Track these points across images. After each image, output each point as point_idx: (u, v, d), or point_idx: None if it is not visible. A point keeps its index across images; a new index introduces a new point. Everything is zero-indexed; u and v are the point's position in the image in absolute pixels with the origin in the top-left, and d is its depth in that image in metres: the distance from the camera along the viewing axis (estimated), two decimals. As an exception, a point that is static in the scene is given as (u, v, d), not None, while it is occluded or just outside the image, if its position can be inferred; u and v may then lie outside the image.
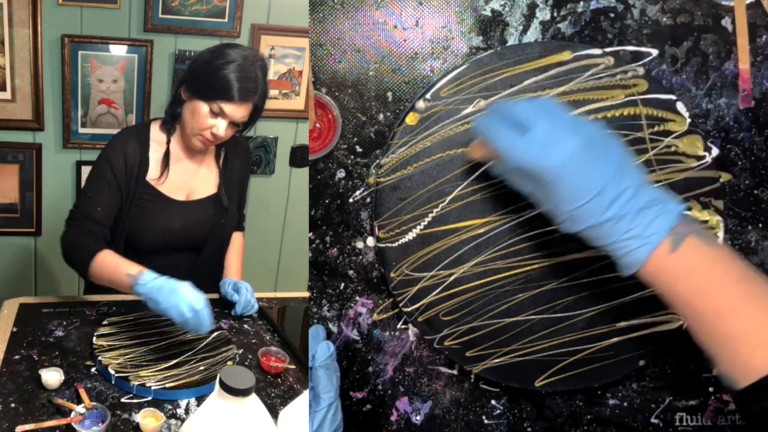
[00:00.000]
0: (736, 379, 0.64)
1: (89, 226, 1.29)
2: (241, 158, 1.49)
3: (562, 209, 0.68)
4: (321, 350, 0.85)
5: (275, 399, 1.11)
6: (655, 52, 0.87)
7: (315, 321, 0.94)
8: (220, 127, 1.28)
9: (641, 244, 0.66)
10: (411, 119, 0.88)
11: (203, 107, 1.27)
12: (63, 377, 1.03)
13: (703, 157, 0.86)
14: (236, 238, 1.57)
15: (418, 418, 0.96)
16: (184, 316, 1.07)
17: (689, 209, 0.68)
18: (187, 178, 1.40)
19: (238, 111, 1.27)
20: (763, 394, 0.62)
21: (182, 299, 1.07)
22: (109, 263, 1.22)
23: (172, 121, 1.36)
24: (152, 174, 1.36)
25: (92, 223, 1.29)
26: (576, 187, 0.66)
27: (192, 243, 1.43)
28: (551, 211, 0.71)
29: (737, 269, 0.66)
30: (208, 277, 1.49)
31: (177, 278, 1.44)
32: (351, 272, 0.94)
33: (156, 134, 1.38)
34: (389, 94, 0.90)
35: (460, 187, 0.87)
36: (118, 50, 1.99)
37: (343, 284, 0.94)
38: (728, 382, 0.66)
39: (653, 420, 0.94)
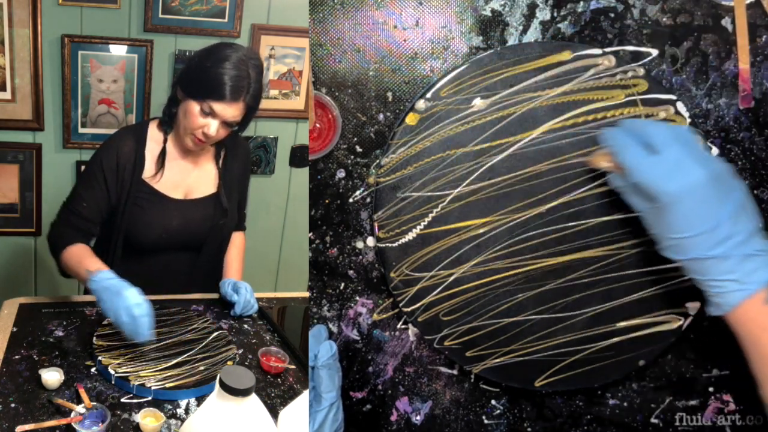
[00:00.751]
0: None
1: (73, 220, 1.33)
2: (241, 158, 1.49)
3: (670, 234, 0.70)
4: (323, 350, 0.85)
5: (275, 399, 1.11)
6: (655, 52, 0.87)
7: (315, 321, 0.94)
8: (212, 127, 1.28)
9: (738, 288, 0.67)
10: (411, 119, 0.88)
11: (195, 107, 1.27)
12: (63, 377, 1.03)
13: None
14: (237, 237, 1.57)
15: (418, 418, 0.96)
16: (121, 319, 1.08)
17: None
18: (184, 177, 1.40)
19: (228, 110, 1.27)
20: None
21: (123, 303, 1.07)
22: (76, 256, 1.27)
23: (168, 121, 1.37)
24: (148, 172, 1.36)
25: (76, 217, 1.33)
26: (691, 216, 0.68)
27: (191, 242, 1.43)
28: (659, 234, 0.72)
29: None
30: (208, 277, 1.49)
31: (178, 278, 1.44)
32: (351, 272, 0.94)
33: (153, 133, 1.39)
34: (389, 94, 0.90)
35: (460, 187, 0.87)
36: (118, 50, 1.99)
37: (343, 284, 0.94)
38: None
39: (653, 420, 0.94)
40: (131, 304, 1.07)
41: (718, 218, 0.67)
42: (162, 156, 1.37)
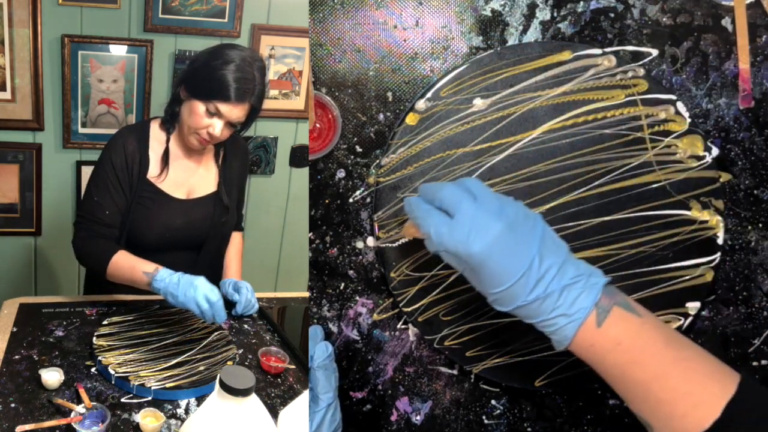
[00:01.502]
0: None
1: (99, 230, 1.32)
2: (240, 158, 1.50)
3: (489, 291, 0.70)
4: (319, 351, 0.85)
5: (275, 399, 1.11)
6: (655, 52, 0.87)
7: (315, 321, 0.94)
8: (216, 127, 1.29)
9: (568, 321, 0.67)
10: (411, 119, 0.88)
11: (200, 107, 1.27)
12: (63, 377, 1.03)
13: (703, 157, 0.86)
14: (235, 237, 1.57)
15: (418, 418, 0.96)
16: (202, 307, 1.17)
17: (611, 282, 0.70)
18: (187, 177, 1.40)
19: (234, 111, 1.27)
20: None
21: (199, 292, 1.17)
22: (125, 264, 1.28)
23: (171, 120, 1.37)
24: (152, 172, 1.36)
25: (102, 226, 1.32)
26: (500, 271, 0.68)
27: (192, 241, 1.43)
28: (481, 291, 0.72)
29: (664, 335, 0.67)
30: (208, 276, 1.49)
31: None
32: (351, 272, 0.94)
33: (156, 132, 1.39)
34: (389, 94, 0.90)
35: (460, 187, 0.87)
36: (118, 50, 1.99)
37: (343, 284, 0.94)
38: None
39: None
40: (207, 292, 1.18)
41: (526, 263, 0.67)
42: (166, 156, 1.37)
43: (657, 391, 0.66)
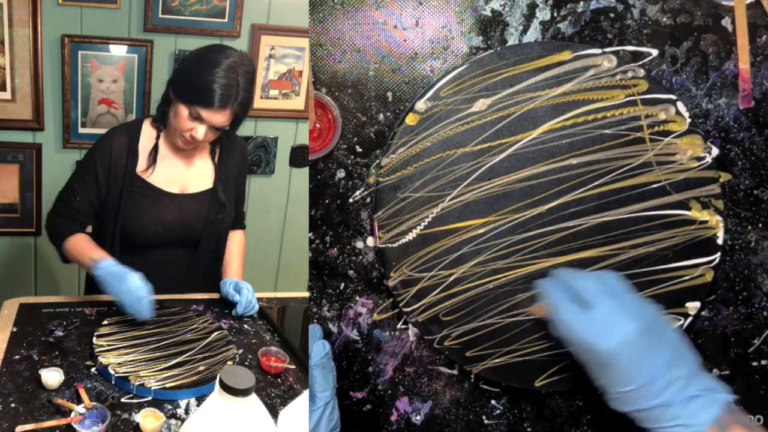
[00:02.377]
0: None
1: (67, 212, 1.39)
2: (237, 156, 1.50)
3: (613, 389, 0.71)
4: (316, 349, 0.85)
5: (275, 399, 1.11)
6: (655, 52, 0.87)
7: (315, 321, 0.94)
8: (199, 131, 1.30)
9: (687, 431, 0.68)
10: (411, 119, 0.88)
11: (184, 110, 1.29)
12: (63, 377, 1.03)
13: (704, 158, 0.86)
14: (237, 236, 1.57)
15: (418, 418, 0.96)
16: (126, 301, 1.20)
17: (735, 401, 0.70)
18: (179, 172, 1.41)
19: (215, 117, 1.28)
20: None
21: (126, 287, 1.20)
22: (78, 246, 1.36)
23: (162, 119, 1.39)
24: (140, 166, 1.38)
25: (70, 209, 1.39)
26: (628, 372, 0.69)
27: (188, 238, 1.43)
28: (603, 386, 0.73)
29: None
30: (207, 275, 1.49)
31: (176, 275, 1.45)
32: (351, 272, 0.94)
33: (147, 129, 1.41)
34: (389, 94, 0.90)
35: (460, 187, 0.87)
36: (118, 50, 1.99)
37: (343, 284, 0.94)
38: None
39: None
40: (134, 287, 1.20)
41: (655, 369, 0.68)
42: (154, 151, 1.39)
43: None
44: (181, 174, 1.42)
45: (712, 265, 0.87)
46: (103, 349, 1.12)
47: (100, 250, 1.32)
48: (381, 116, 0.90)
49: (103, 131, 2.04)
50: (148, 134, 1.40)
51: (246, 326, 1.35)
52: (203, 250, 1.46)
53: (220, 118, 1.28)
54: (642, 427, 0.71)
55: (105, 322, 1.22)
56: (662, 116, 0.86)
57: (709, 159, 0.86)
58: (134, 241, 1.38)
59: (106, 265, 1.24)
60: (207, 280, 1.49)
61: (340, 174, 0.92)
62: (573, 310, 0.72)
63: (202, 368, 1.11)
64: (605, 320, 0.70)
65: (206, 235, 1.45)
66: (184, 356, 1.14)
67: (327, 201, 0.92)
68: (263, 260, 2.41)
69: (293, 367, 1.20)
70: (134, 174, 1.37)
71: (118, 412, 0.99)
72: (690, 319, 0.88)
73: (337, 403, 0.86)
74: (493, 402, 0.95)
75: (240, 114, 1.32)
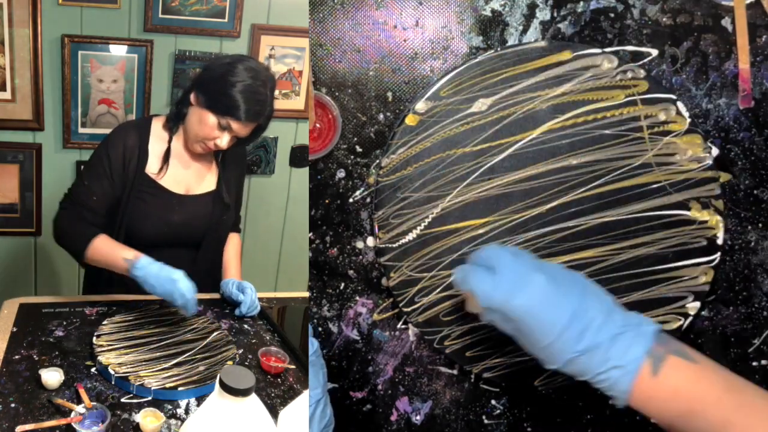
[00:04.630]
0: None
1: (84, 213, 1.34)
2: (238, 160, 1.52)
3: (537, 347, 0.69)
4: None
5: (275, 399, 1.11)
6: (655, 52, 0.87)
7: (315, 321, 0.94)
8: (224, 140, 1.32)
9: (622, 373, 0.66)
10: (411, 120, 0.88)
11: (211, 118, 1.29)
12: (63, 377, 1.03)
13: (704, 158, 0.86)
14: (233, 239, 1.58)
15: (418, 418, 0.96)
16: (177, 303, 1.22)
17: (661, 329, 0.68)
18: (185, 173, 1.42)
19: (245, 129, 1.31)
20: None
21: (177, 289, 1.21)
22: (106, 247, 1.31)
23: (176, 120, 1.39)
24: (152, 168, 1.38)
25: (87, 210, 1.34)
26: (545, 323, 0.67)
27: (190, 238, 1.44)
28: (530, 351, 0.71)
29: (723, 380, 0.66)
30: (208, 275, 1.50)
31: None
32: (351, 272, 0.94)
33: (157, 130, 1.40)
34: (389, 94, 0.90)
35: (460, 187, 0.87)
36: (118, 50, 1.99)
37: (343, 284, 0.94)
38: None
39: (653, 420, 0.94)
40: (185, 290, 1.21)
41: (569, 312, 0.66)
42: (167, 154, 1.39)
43: None
44: (187, 175, 1.43)
45: (712, 265, 0.87)
46: (103, 349, 1.12)
47: (129, 249, 1.28)
48: (381, 116, 0.90)
49: (103, 131, 2.05)
50: (159, 135, 1.40)
51: (246, 326, 1.35)
52: (205, 250, 1.47)
53: (248, 130, 1.32)
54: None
55: (105, 322, 1.22)
56: (662, 116, 0.86)
57: (709, 159, 0.86)
58: (138, 240, 1.38)
59: (145, 263, 1.23)
60: (206, 281, 1.49)
61: (340, 174, 0.92)
62: (483, 277, 0.70)
63: (202, 368, 1.11)
64: (513, 276, 0.68)
65: (209, 235, 1.45)
66: (184, 356, 1.14)
67: (327, 201, 0.92)
68: (263, 260, 2.41)
69: (293, 367, 1.20)
70: (143, 174, 1.37)
71: (118, 412, 0.99)
72: (690, 319, 0.89)
73: (329, 399, 0.86)
74: (493, 402, 0.95)
75: (264, 126, 1.35)
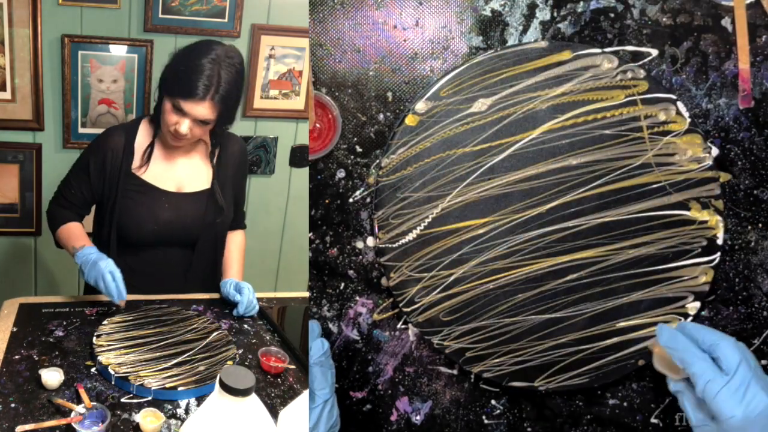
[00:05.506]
0: None
1: (63, 202, 1.45)
2: (236, 156, 1.50)
3: None
4: (315, 347, 0.85)
5: (275, 399, 1.11)
6: (655, 52, 0.87)
7: (313, 319, 0.94)
8: (183, 125, 1.29)
9: None
10: (411, 120, 0.88)
11: (167, 104, 1.29)
12: (63, 377, 1.03)
13: (704, 159, 0.86)
14: (237, 236, 1.57)
15: (418, 417, 0.96)
16: (100, 284, 1.26)
17: None
18: (176, 170, 1.42)
19: (196, 109, 1.27)
20: None
21: (100, 271, 1.26)
22: (67, 234, 1.41)
23: (157, 118, 1.39)
24: (135, 164, 1.39)
25: (65, 200, 1.45)
26: None
27: (184, 237, 1.43)
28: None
29: None
30: (206, 276, 1.49)
31: (174, 275, 1.45)
32: (351, 272, 0.94)
33: (144, 127, 1.42)
34: (389, 94, 0.90)
35: (460, 187, 0.87)
36: (118, 50, 1.99)
37: (343, 284, 0.94)
38: None
39: (653, 420, 0.94)
40: (106, 271, 1.25)
41: None
42: (150, 149, 1.39)
43: None
44: (178, 172, 1.42)
45: (712, 265, 0.87)
46: (103, 349, 1.12)
47: (85, 240, 1.37)
48: (381, 116, 0.90)
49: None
50: (144, 132, 1.41)
51: (246, 326, 1.35)
52: (201, 250, 1.46)
53: (201, 110, 1.28)
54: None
55: (105, 322, 1.22)
56: (662, 116, 0.86)
57: (709, 160, 0.86)
58: (130, 239, 1.39)
59: (84, 253, 1.30)
60: (206, 281, 1.49)
61: (340, 174, 0.92)
62: (710, 369, 0.72)
63: (202, 368, 1.11)
64: (743, 388, 0.70)
65: (203, 235, 1.45)
66: (184, 356, 1.14)
67: (327, 201, 0.92)
68: (263, 260, 2.41)
69: (293, 367, 1.20)
70: (129, 172, 1.38)
71: (118, 412, 0.99)
72: (690, 319, 0.88)
73: (337, 401, 0.86)
74: (493, 402, 0.95)
75: (223, 108, 1.30)
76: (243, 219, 1.62)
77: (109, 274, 1.25)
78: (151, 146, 1.39)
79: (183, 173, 1.43)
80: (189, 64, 1.27)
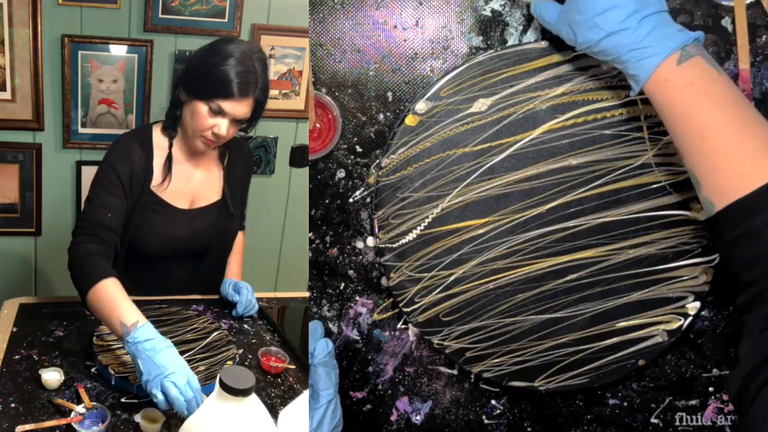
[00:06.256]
0: (715, 201, 0.68)
1: (100, 233, 1.20)
2: (244, 161, 1.48)
3: (586, 16, 0.73)
4: (320, 347, 0.84)
5: (275, 399, 1.11)
6: (655, 52, 0.87)
7: (314, 319, 0.94)
8: (222, 126, 1.25)
9: (652, 53, 0.70)
10: (411, 120, 0.88)
11: (202, 107, 1.23)
12: (63, 377, 1.03)
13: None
14: (237, 237, 1.56)
15: (418, 418, 0.96)
16: (173, 402, 0.94)
17: (702, 40, 0.73)
18: (190, 185, 1.38)
19: (238, 108, 1.24)
20: (737, 218, 0.66)
21: (172, 384, 0.95)
22: (108, 298, 1.08)
23: (173, 125, 1.33)
24: (155, 181, 1.33)
25: (103, 229, 1.21)
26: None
27: (195, 250, 1.42)
28: (575, 21, 0.74)
29: (734, 95, 0.69)
30: (210, 282, 1.49)
31: (180, 282, 1.43)
32: (351, 272, 0.94)
33: (158, 138, 1.35)
34: (389, 94, 0.90)
35: (460, 188, 0.87)
36: (118, 50, 1.99)
37: (343, 284, 0.94)
38: (707, 209, 0.69)
39: (653, 420, 0.94)
40: (183, 385, 0.95)
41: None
42: (169, 163, 1.33)
43: (713, 141, 0.68)
44: (191, 186, 1.38)
45: (712, 265, 0.87)
46: (103, 349, 1.12)
47: (133, 308, 1.04)
48: (381, 116, 0.90)
49: (103, 131, 2.05)
50: (159, 144, 1.34)
51: (246, 326, 1.35)
52: (210, 260, 1.45)
53: (243, 108, 1.24)
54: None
55: (105, 322, 1.21)
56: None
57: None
58: (141, 255, 1.35)
59: (142, 337, 0.99)
60: (210, 286, 1.49)
61: (340, 174, 0.92)
62: None
63: (202, 368, 1.11)
64: None
65: (215, 246, 1.43)
66: (184, 356, 1.14)
67: (327, 201, 0.92)
68: (263, 260, 2.41)
69: (293, 367, 1.20)
70: (149, 189, 1.32)
71: (118, 412, 0.99)
72: (690, 319, 0.88)
73: (340, 401, 0.86)
74: (493, 402, 0.95)
75: (262, 100, 1.27)
76: (243, 220, 1.61)
77: (187, 389, 0.94)
78: (169, 159, 1.33)
79: (195, 187, 1.39)
80: (222, 63, 1.21)
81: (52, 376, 1.02)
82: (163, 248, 1.36)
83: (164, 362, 0.96)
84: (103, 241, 1.20)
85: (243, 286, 1.39)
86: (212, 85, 1.22)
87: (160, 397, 0.94)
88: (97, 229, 1.20)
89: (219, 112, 1.24)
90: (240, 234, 1.58)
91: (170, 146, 1.34)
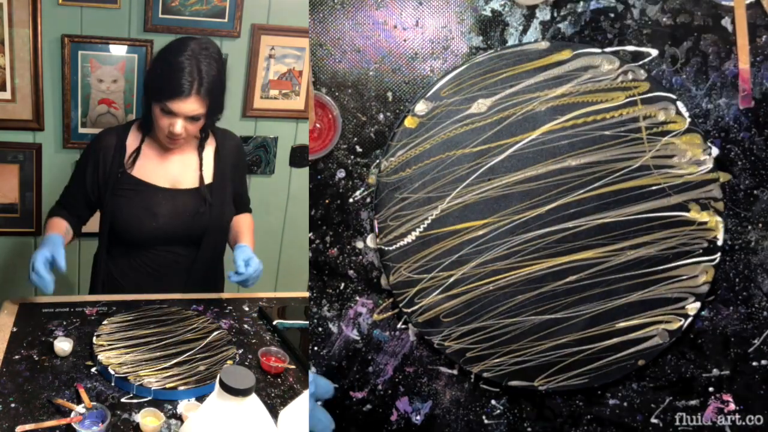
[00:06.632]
0: None
1: (62, 203, 1.50)
2: (231, 151, 1.51)
3: None
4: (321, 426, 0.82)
5: (275, 399, 1.11)
6: (655, 52, 0.87)
7: (315, 321, 0.94)
8: (176, 126, 1.30)
9: None
10: (410, 122, 0.88)
11: (156, 109, 1.31)
12: (71, 348, 1.11)
13: (703, 161, 0.86)
14: (244, 216, 1.57)
15: (418, 418, 0.96)
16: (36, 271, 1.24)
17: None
18: (168, 167, 1.42)
19: (184, 107, 1.28)
20: None
21: (33, 257, 1.26)
22: (49, 225, 1.44)
23: (146, 124, 1.40)
24: (127, 164, 1.40)
25: (64, 202, 1.50)
26: None
27: (185, 235, 1.42)
28: None
29: None
30: (208, 277, 1.49)
31: (176, 275, 1.44)
32: (351, 272, 0.94)
33: (134, 131, 1.43)
34: (389, 94, 0.90)
35: (459, 188, 0.87)
36: (118, 50, 1.99)
37: (343, 284, 0.94)
38: None
39: (653, 420, 0.94)
40: (38, 259, 1.25)
41: None
42: (136, 152, 1.40)
43: None
44: (171, 169, 1.42)
45: (712, 264, 0.87)
46: (103, 349, 1.12)
47: (57, 230, 1.39)
48: (381, 116, 0.90)
49: (103, 131, 2.05)
50: (134, 136, 1.43)
51: (246, 326, 1.35)
52: (205, 250, 1.46)
53: (191, 106, 1.29)
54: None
55: (105, 322, 1.22)
56: (662, 117, 0.86)
57: (708, 162, 0.86)
58: (128, 238, 1.38)
59: (47, 237, 1.31)
60: (209, 283, 1.49)
61: (340, 174, 0.92)
62: None
63: (202, 368, 1.11)
64: None
65: (207, 234, 1.44)
66: (184, 356, 1.14)
67: (327, 201, 0.92)
68: (263, 260, 2.40)
69: (293, 367, 1.20)
70: (123, 171, 1.39)
71: (118, 412, 0.99)
72: (690, 319, 0.88)
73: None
74: (493, 402, 0.95)
75: (210, 100, 1.31)
76: (248, 203, 1.62)
77: (41, 263, 1.24)
78: (137, 150, 1.40)
79: (176, 170, 1.42)
80: (167, 65, 1.28)
81: (64, 345, 1.10)
82: (149, 228, 1.38)
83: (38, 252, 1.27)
84: (65, 206, 1.47)
85: (253, 264, 1.37)
86: (159, 87, 1.30)
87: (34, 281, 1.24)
88: (61, 201, 1.49)
89: (169, 112, 1.29)
90: (248, 215, 1.60)
91: (141, 140, 1.42)
